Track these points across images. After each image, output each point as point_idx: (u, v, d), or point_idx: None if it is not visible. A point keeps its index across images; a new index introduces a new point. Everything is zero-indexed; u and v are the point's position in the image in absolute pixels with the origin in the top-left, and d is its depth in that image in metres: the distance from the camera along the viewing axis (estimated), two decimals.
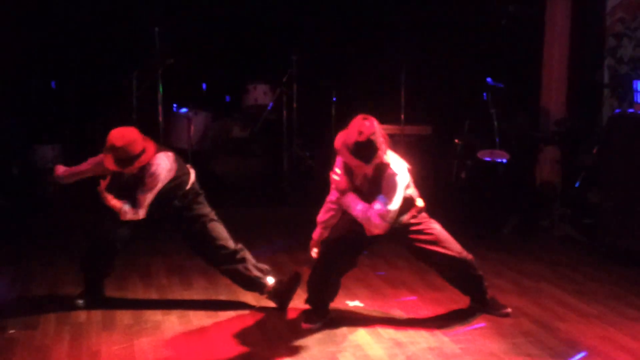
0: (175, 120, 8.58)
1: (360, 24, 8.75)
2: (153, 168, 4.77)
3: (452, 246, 4.71)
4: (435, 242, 4.67)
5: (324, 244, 4.80)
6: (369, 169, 4.46)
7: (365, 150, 4.33)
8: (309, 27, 8.78)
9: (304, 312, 4.85)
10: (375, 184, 4.49)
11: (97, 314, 4.91)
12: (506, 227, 7.23)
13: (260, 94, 8.67)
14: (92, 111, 8.73)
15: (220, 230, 5.00)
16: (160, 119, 8.27)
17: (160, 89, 8.21)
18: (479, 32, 8.42)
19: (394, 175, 4.45)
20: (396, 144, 8.26)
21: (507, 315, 4.81)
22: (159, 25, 7.74)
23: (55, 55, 8.65)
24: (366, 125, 4.34)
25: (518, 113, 7.89)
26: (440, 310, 5.00)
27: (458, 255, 4.69)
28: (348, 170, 4.56)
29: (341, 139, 4.40)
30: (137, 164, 4.72)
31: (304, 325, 4.71)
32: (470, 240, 6.80)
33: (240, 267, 4.97)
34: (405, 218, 4.64)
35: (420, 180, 8.16)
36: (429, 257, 4.72)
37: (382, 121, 8.33)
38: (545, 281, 5.60)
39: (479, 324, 4.71)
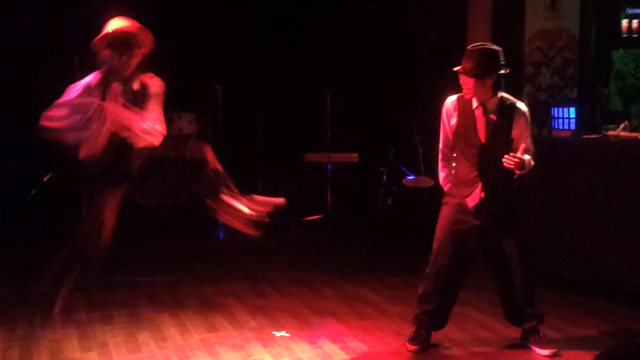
0: None
1: (285, 52, 8.77)
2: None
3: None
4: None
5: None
6: (491, 101, 4.35)
7: (487, 57, 4.27)
8: (233, 55, 8.74)
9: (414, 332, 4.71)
10: (504, 127, 4.35)
11: (13, 353, 4.70)
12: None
13: (185, 124, 8.55)
14: (8, 140, 8.45)
15: None
16: None
17: None
18: (402, 60, 8.54)
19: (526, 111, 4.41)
20: (323, 171, 8.40)
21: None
22: (78, 53, 7.56)
23: None
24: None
25: None
26: (367, 338, 4.97)
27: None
28: (467, 121, 4.37)
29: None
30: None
31: (409, 347, 4.63)
32: (397, 266, 6.87)
33: None
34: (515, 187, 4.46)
35: (348, 206, 8.33)
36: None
37: (308, 149, 8.51)
38: (470, 306, 5.64)
39: (408, 349, 4.70)
